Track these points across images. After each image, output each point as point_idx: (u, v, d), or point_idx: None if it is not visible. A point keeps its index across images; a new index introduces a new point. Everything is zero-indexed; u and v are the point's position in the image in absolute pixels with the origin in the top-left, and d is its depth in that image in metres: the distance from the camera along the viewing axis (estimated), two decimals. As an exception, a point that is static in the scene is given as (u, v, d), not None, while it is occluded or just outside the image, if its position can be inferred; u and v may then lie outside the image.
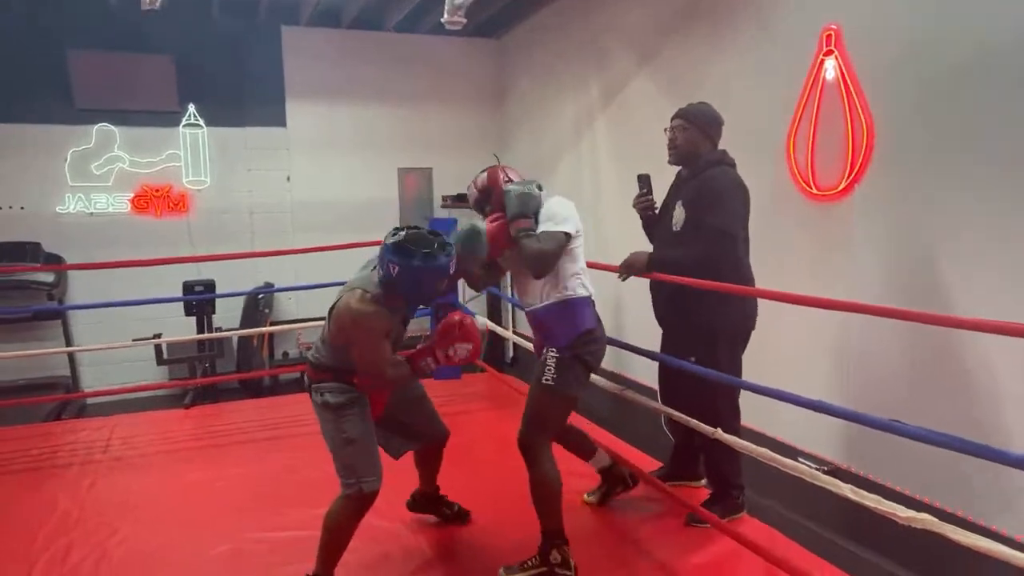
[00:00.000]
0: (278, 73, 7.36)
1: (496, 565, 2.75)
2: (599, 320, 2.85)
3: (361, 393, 2.61)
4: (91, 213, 6.84)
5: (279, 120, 7.47)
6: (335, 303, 2.59)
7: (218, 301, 6.59)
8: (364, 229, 7.48)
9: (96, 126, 6.78)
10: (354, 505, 2.57)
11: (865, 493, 2.10)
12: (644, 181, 3.38)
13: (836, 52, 3.61)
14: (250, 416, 5.00)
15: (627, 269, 3.18)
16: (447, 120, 8.11)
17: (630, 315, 5.51)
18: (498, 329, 5.88)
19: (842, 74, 3.57)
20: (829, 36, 3.64)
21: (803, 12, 3.88)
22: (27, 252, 6.46)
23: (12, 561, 2.93)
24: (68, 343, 6.64)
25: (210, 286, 6.48)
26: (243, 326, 7.04)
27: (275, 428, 4.65)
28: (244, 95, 7.29)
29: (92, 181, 6.81)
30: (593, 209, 6.03)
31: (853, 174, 3.55)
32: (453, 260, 2.51)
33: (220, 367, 6.87)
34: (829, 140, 3.68)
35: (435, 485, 3.26)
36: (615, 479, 3.37)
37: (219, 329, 6.82)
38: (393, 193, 8.00)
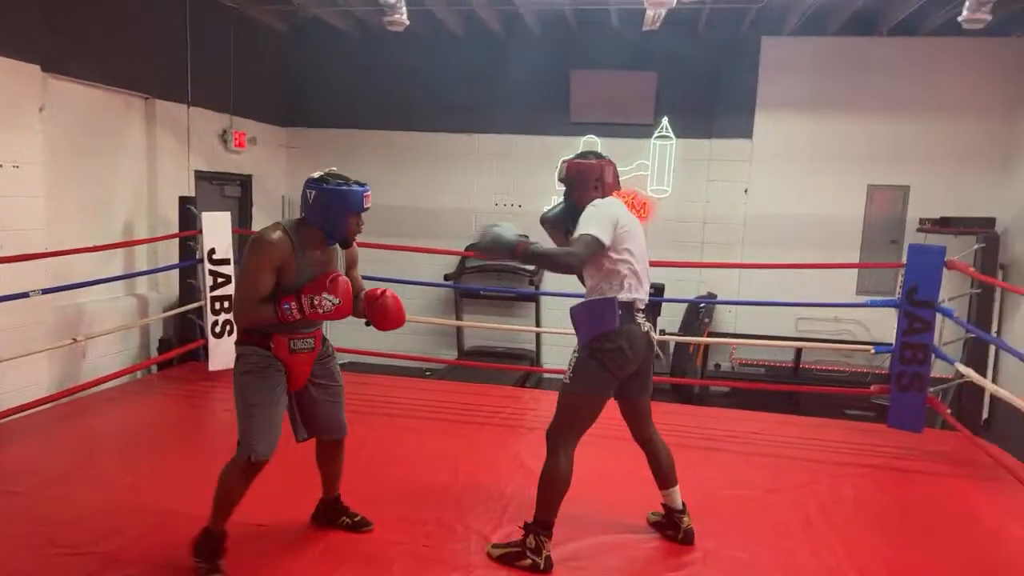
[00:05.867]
0: (751, 85, 7.36)
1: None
2: (631, 323, 2.85)
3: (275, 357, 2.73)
4: (569, 213, 7.82)
5: (745, 132, 7.46)
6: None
7: (664, 305, 6.92)
8: (820, 248, 7.07)
9: (584, 137, 7.71)
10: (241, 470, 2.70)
11: None
12: None
13: None
14: (682, 421, 5.10)
15: None
16: (936, 132, 7.10)
17: None
18: (980, 379, 4.84)
19: None
20: None
21: None
22: (518, 242, 7.70)
23: (488, 501, 3.50)
24: (537, 323, 7.73)
25: (659, 290, 6.83)
26: (682, 332, 7.27)
27: (709, 439, 4.66)
28: (714, 107, 7.48)
29: (574, 185, 7.78)
30: None
31: None
32: (366, 195, 2.70)
33: (656, 367, 7.21)
34: None
35: (335, 491, 3.16)
36: (673, 523, 3.16)
37: (662, 332, 7.16)
38: (858, 212, 7.35)
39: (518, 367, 7.37)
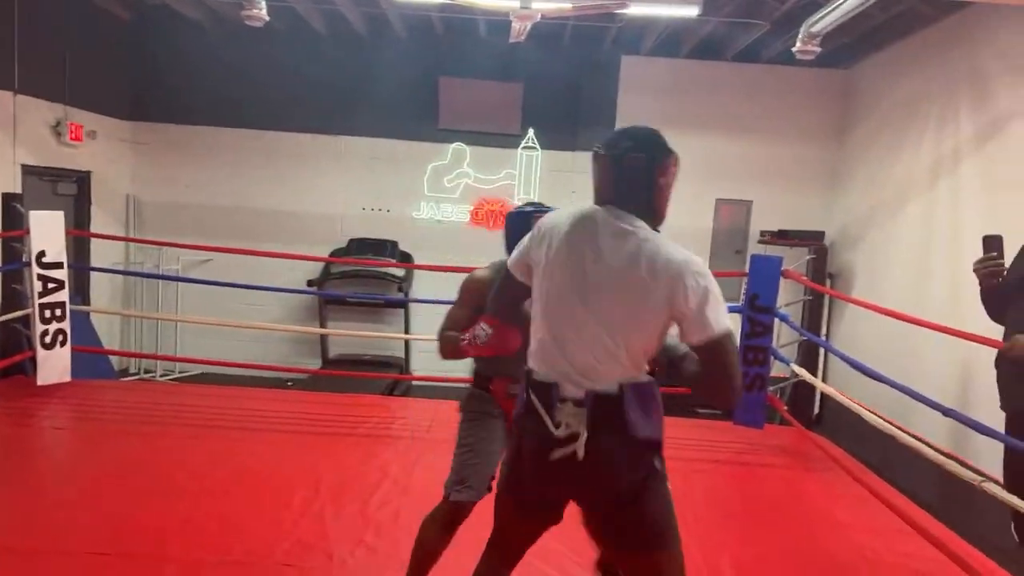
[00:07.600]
0: (612, 100, 7.68)
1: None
2: (532, 416, 1.84)
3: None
4: (439, 220, 7.81)
5: (607, 146, 7.77)
6: None
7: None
8: (674, 258, 7.47)
9: (452, 145, 7.73)
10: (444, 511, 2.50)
11: None
12: (994, 244, 3.04)
13: None
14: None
15: (1010, 350, 2.75)
16: (775, 153, 7.73)
17: (980, 391, 4.68)
18: (811, 378, 5.31)
19: None
20: None
21: None
22: (386, 248, 7.59)
23: (352, 513, 3.41)
24: (407, 330, 7.64)
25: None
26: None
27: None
28: (578, 121, 7.73)
29: (443, 192, 7.79)
30: (950, 266, 5.25)
31: None
32: (540, 216, 2.17)
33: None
34: None
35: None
36: None
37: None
38: (707, 224, 7.85)
39: (386, 375, 7.24)
